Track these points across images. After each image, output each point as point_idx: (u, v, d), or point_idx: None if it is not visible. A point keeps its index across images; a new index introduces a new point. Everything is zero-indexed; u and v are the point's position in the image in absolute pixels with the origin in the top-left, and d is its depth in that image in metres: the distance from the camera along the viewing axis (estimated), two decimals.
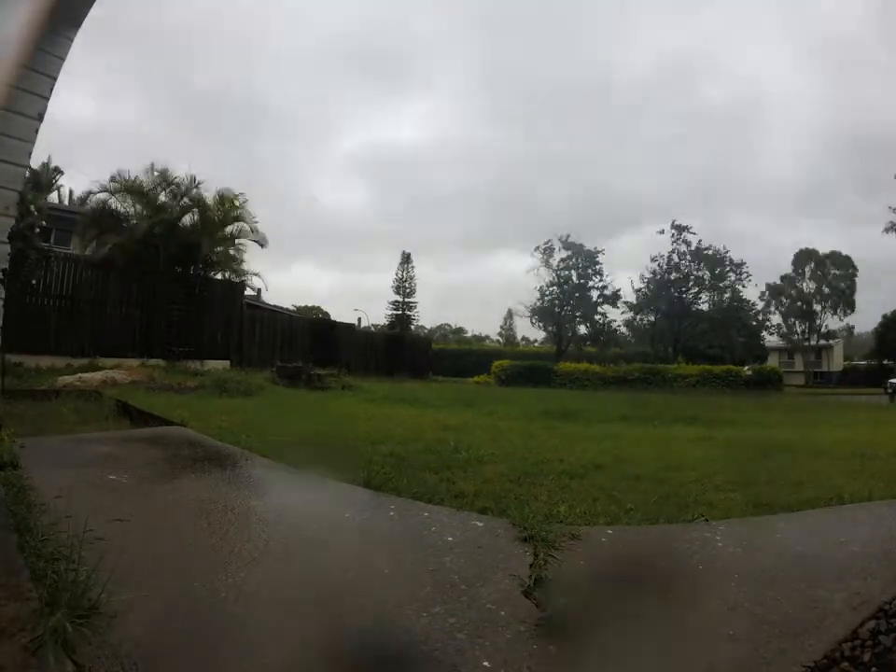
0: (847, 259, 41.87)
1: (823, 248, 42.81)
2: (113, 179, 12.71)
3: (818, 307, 42.74)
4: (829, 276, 42.10)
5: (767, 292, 42.19)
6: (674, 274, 32.99)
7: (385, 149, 73.96)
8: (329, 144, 77.39)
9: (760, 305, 38.12)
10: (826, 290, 42.10)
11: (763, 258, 63.80)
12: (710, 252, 32.65)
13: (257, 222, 14.38)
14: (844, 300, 41.97)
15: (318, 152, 78.83)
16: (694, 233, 32.82)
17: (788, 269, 43.34)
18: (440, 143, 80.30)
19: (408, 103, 76.76)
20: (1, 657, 1.12)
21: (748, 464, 4.02)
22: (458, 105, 74.68)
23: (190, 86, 60.19)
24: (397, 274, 44.87)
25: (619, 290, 32.92)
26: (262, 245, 14.60)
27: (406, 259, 45.03)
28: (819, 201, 69.74)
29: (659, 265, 33.22)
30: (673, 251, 32.93)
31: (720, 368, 23.77)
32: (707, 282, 33.21)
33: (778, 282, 43.17)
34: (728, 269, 32.82)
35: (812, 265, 42.62)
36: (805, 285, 42.97)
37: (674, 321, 32.37)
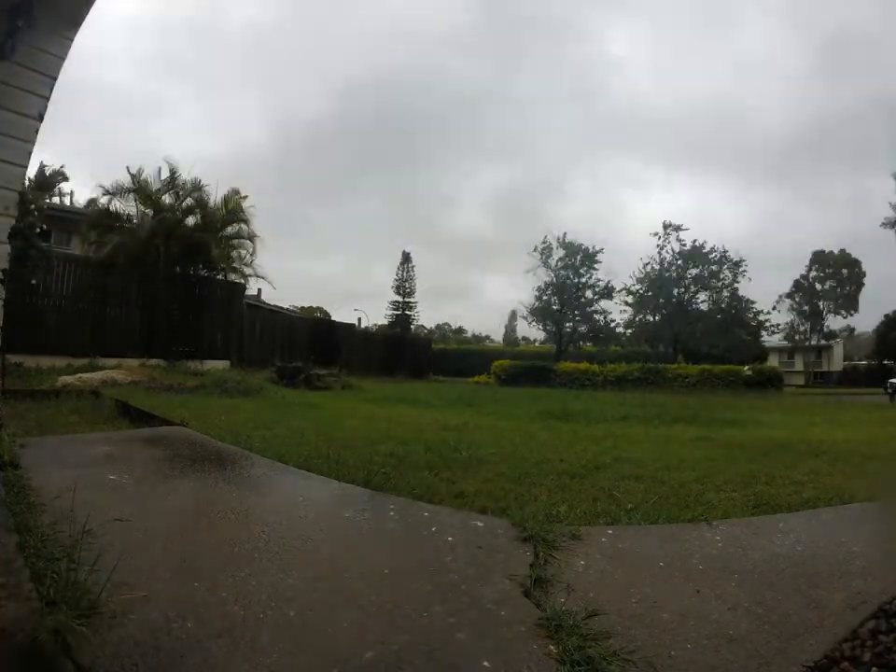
0: (857, 261, 42.17)
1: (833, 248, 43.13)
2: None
3: (823, 307, 42.94)
4: (841, 276, 42.31)
5: (788, 293, 42.35)
6: (670, 273, 32.68)
7: None
8: None
9: (769, 305, 37.83)
10: (836, 290, 42.32)
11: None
12: (709, 251, 32.35)
13: (254, 215, 14.47)
14: (849, 300, 42.19)
15: None
16: (687, 229, 32.50)
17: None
18: None
19: None
20: (1, 657, 1.13)
21: (747, 464, 4.03)
22: None
23: None
24: (397, 274, 45.00)
25: (611, 282, 32.50)
26: (251, 240, 14.66)
27: (406, 258, 45.13)
28: None
29: (652, 266, 32.97)
30: (661, 249, 32.57)
31: (720, 368, 23.69)
32: (705, 280, 32.89)
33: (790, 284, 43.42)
34: (725, 266, 32.49)
35: (817, 266, 42.84)
36: (816, 285, 43.20)
37: (673, 320, 32.17)
